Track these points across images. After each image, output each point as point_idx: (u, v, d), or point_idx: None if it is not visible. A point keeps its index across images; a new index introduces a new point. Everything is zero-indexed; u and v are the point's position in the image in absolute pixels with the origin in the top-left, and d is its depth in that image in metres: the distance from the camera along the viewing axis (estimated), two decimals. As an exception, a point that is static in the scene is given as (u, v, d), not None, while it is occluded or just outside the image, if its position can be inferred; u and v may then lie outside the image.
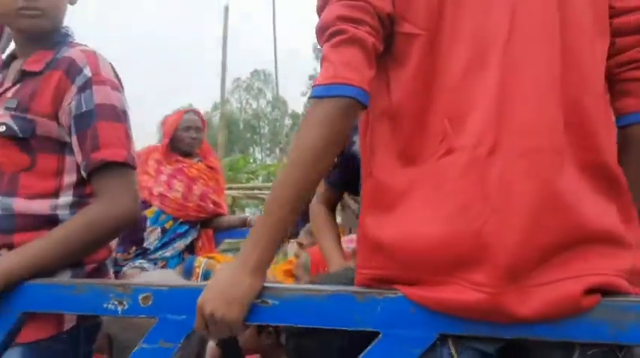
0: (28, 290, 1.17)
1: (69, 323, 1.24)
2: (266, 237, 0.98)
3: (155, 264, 2.81)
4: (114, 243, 1.36)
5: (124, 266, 2.76)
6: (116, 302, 1.10)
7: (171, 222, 2.93)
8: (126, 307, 1.09)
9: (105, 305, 1.10)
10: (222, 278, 0.99)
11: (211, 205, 3.04)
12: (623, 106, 0.99)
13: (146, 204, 2.90)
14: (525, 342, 0.88)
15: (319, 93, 0.94)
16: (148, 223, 2.89)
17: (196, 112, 3.11)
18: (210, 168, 3.12)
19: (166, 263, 2.87)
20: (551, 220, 0.84)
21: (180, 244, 2.95)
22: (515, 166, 0.86)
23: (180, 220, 2.94)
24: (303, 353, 1.23)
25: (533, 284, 0.84)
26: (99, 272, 1.30)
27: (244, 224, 3.15)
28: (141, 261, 2.77)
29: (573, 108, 0.89)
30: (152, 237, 2.87)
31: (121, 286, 1.11)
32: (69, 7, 1.37)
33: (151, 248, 2.86)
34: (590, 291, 0.83)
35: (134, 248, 2.85)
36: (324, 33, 0.97)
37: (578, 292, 0.82)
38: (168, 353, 1.06)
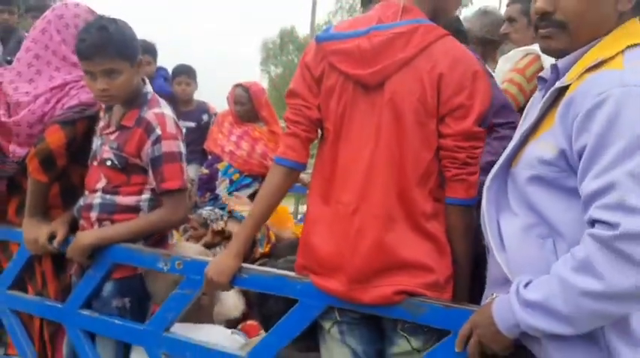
0: (116, 250, 1.96)
1: (140, 268, 2.03)
2: (243, 236, 1.71)
3: (223, 209, 3.62)
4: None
5: (201, 208, 3.60)
6: (163, 264, 1.86)
7: (237, 175, 3.68)
8: (168, 267, 1.86)
9: (157, 264, 1.88)
10: (218, 259, 1.73)
11: (270, 162, 3.76)
12: (446, 191, 1.56)
13: (218, 159, 3.69)
14: (375, 316, 1.55)
15: (275, 161, 1.64)
16: (220, 174, 3.68)
17: (244, 87, 3.74)
18: (272, 132, 3.82)
19: (233, 208, 3.67)
20: (379, 255, 1.49)
21: (245, 193, 3.73)
22: (365, 222, 1.50)
23: (245, 173, 3.68)
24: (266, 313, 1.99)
25: (370, 286, 1.50)
26: (161, 241, 2.09)
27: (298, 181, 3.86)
28: (212, 206, 3.58)
29: (404, 192, 1.51)
30: (222, 186, 3.67)
31: (166, 255, 1.88)
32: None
33: (221, 195, 3.67)
34: (400, 293, 1.47)
35: (208, 194, 3.68)
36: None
37: (390, 293, 1.47)
38: (190, 297, 1.82)
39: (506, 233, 1.37)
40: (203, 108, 4.32)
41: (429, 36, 1.51)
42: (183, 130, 4.32)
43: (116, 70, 1.92)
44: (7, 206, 2.25)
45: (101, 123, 2.07)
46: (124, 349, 2.04)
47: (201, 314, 2.17)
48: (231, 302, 2.50)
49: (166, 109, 2.02)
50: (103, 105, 2.08)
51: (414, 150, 1.52)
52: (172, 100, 4.12)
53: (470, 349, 1.37)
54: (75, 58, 2.04)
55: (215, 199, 3.68)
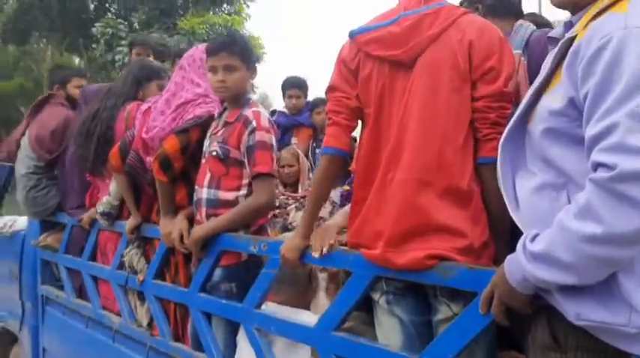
0: (223, 238, 2.28)
1: (244, 256, 2.32)
2: (306, 219, 1.91)
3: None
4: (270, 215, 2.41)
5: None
6: (253, 247, 2.12)
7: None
8: (257, 249, 2.11)
9: (249, 247, 2.14)
10: (289, 240, 1.94)
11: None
12: (478, 152, 1.58)
13: None
14: (415, 285, 1.60)
15: (320, 152, 1.84)
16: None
17: None
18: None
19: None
20: (412, 217, 1.55)
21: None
22: (401, 186, 1.59)
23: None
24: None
25: (404, 250, 1.56)
26: (260, 231, 2.36)
27: None
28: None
29: (441, 157, 1.56)
30: None
31: (254, 239, 2.14)
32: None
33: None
34: (432, 257, 1.51)
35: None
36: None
37: (422, 256, 1.52)
38: (272, 274, 2.03)
39: (521, 191, 1.36)
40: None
41: (454, 12, 1.61)
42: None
43: (234, 67, 2.33)
44: (153, 205, 2.73)
45: (212, 129, 2.44)
46: (234, 327, 2.33)
47: (302, 305, 2.37)
48: (322, 303, 2.65)
49: (262, 109, 2.36)
50: (216, 114, 2.47)
51: (451, 117, 1.59)
52: (313, 129, 4.44)
53: (493, 310, 1.36)
54: (198, 80, 2.50)
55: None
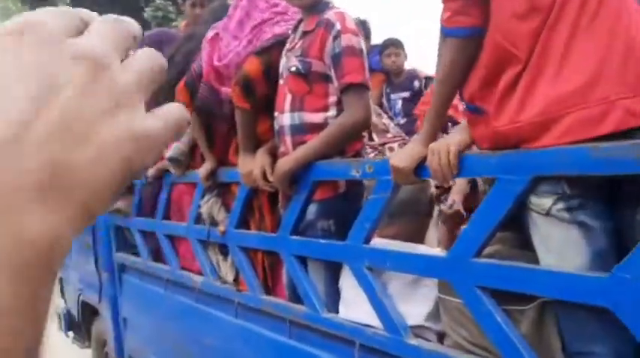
0: (316, 167, 1.93)
1: (341, 188, 1.97)
2: (431, 122, 1.53)
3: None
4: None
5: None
6: (355, 171, 1.76)
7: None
8: (360, 173, 1.75)
9: (350, 172, 1.78)
10: (405, 147, 1.56)
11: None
12: None
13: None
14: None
15: (444, 34, 1.44)
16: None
17: None
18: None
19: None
20: None
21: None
22: None
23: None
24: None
25: None
26: (356, 157, 1.98)
27: None
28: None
29: None
30: None
31: (356, 162, 1.77)
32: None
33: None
34: None
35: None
36: None
37: None
38: (383, 199, 1.67)
39: None
40: (413, 75, 4.21)
41: None
42: (399, 102, 4.30)
43: None
44: (229, 145, 2.42)
45: (287, 46, 2.09)
46: (335, 273, 1.99)
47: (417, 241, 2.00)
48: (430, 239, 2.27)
49: (346, 11, 1.97)
50: (290, 32, 2.11)
51: None
52: (385, 74, 4.12)
53: None
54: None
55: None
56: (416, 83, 4.22)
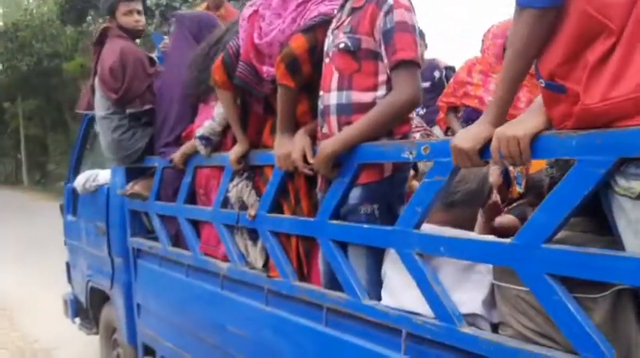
0: (362, 149, 1.85)
1: (387, 172, 1.89)
2: (498, 100, 1.44)
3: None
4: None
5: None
6: (408, 153, 1.69)
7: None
8: (414, 155, 1.67)
9: (402, 154, 1.71)
10: (469, 127, 1.48)
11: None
12: None
13: (475, 112, 3.42)
14: None
15: (518, 4, 1.34)
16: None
17: None
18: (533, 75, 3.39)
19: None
20: None
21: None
22: None
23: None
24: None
25: None
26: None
27: None
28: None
29: None
30: None
31: (410, 143, 1.70)
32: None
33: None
34: None
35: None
36: None
37: None
38: (440, 183, 1.60)
39: None
40: (433, 65, 4.15)
41: None
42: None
43: None
44: (263, 127, 2.34)
45: (333, 24, 2.01)
46: (377, 259, 1.92)
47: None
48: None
49: None
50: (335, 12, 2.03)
51: None
52: None
53: None
54: None
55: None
56: (436, 73, 4.16)
